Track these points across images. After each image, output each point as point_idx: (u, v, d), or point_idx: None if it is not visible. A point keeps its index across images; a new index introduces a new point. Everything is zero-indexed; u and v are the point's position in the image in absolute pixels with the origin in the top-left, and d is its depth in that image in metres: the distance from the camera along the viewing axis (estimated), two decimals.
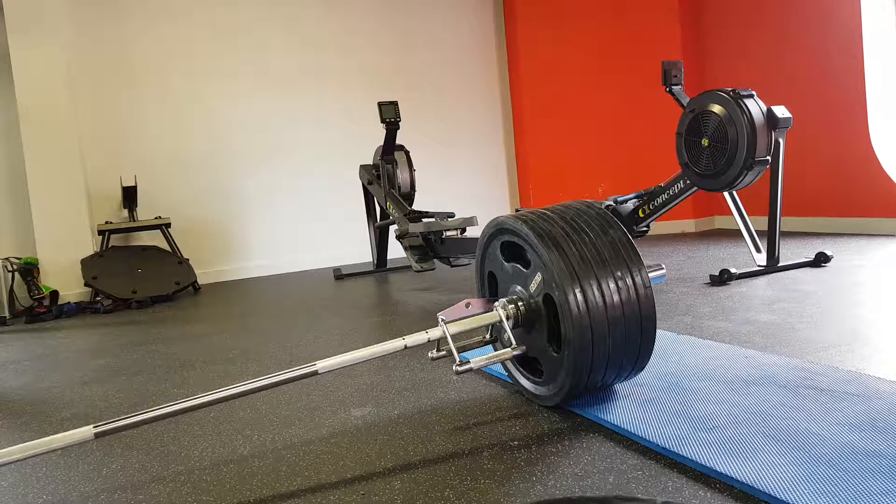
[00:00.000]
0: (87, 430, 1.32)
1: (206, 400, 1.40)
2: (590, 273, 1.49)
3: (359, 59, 5.65)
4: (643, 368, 1.64)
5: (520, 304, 1.64)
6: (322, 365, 1.49)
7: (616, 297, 1.50)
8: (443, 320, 1.60)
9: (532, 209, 1.68)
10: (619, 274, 1.52)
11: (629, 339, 1.53)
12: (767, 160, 3.16)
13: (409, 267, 4.65)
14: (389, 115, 4.16)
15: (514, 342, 1.63)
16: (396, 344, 1.54)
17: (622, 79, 5.63)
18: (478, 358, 1.57)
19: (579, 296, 1.46)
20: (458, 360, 1.56)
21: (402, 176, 4.41)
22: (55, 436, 1.33)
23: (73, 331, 3.60)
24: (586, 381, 1.54)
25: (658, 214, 3.72)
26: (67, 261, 4.45)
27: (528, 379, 1.74)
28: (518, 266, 1.68)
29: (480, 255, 1.87)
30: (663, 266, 1.71)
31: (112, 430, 1.33)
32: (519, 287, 1.67)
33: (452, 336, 1.58)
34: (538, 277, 1.58)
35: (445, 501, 1.24)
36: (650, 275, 1.58)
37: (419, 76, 5.89)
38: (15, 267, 4.38)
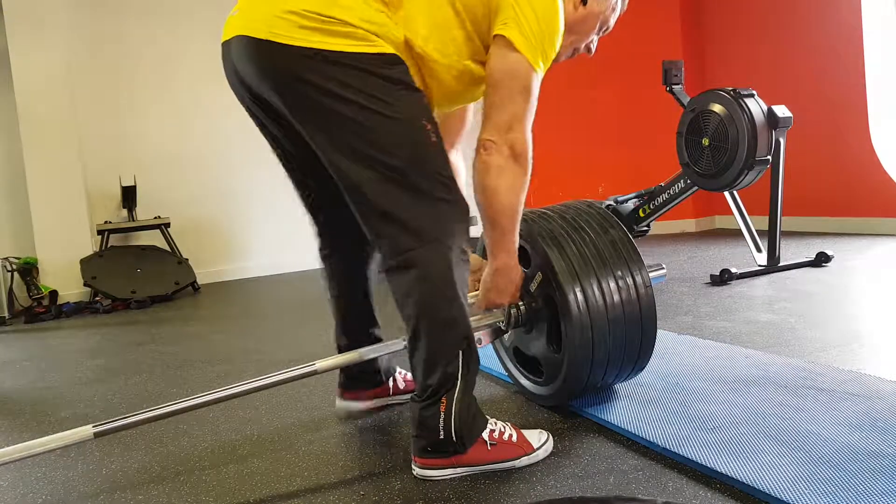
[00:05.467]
0: (86, 430, 1.32)
1: (206, 399, 1.40)
2: (590, 272, 1.49)
3: None
4: (644, 368, 1.64)
5: (520, 304, 1.64)
6: (322, 364, 1.49)
7: (616, 297, 1.49)
8: None
9: (532, 209, 1.67)
10: (619, 273, 1.51)
11: (630, 338, 1.52)
12: (768, 160, 3.16)
13: None
14: None
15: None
16: (396, 344, 1.54)
17: (622, 78, 5.62)
18: None
19: (579, 295, 1.46)
20: None
21: None
22: (54, 435, 1.32)
23: (73, 331, 3.60)
24: (586, 381, 1.54)
25: (658, 214, 3.72)
26: (67, 261, 4.44)
27: (528, 379, 1.74)
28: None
29: (480, 255, 1.87)
30: (664, 266, 1.71)
31: (112, 429, 1.33)
32: None
33: None
34: (538, 277, 1.58)
35: (445, 501, 1.24)
36: (650, 274, 1.58)
37: None
38: (14, 267, 4.37)
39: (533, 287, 1.60)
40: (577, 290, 1.46)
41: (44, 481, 1.51)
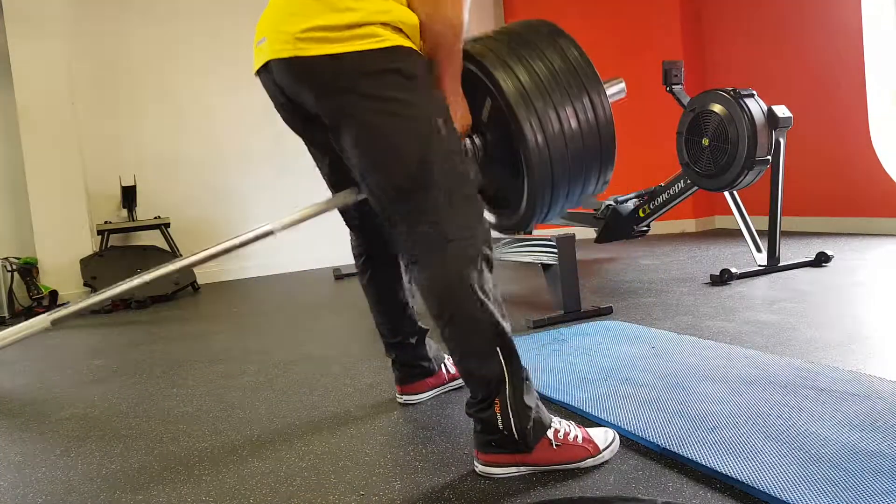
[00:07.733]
0: (43, 320, 1.37)
1: (170, 269, 1.59)
2: (543, 92, 1.42)
3: None
4: (608, 181, 1.55)
5: (473, 136, 1.52)
6: (276, 224, 1.59)
7: (570, 110, 1.43)
8: None
9: (481, 34, 1.58)
10: (574, 91, 1.44)
11: (588, 150, 1.45)
12: (768, 160, 3.16)
13: None
14: None
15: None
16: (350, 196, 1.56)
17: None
18: None
19: (533, 118, 1.39)
20: None
21: None
22: (12, 328, 1.37)
23: (73, 331, 3.60)
24: (550, 199, 1.47)
25: (658, 214, 3.72)
26: (67, 261, 4.43)
27: (494, 213, 1.67)
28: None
29: None
30: (622, 79, 1.66)
31: (66, 315, 1.40)
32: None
33: None
34: (488, 104, 1.49)
35: (445, 502, 1.24)
36: (608, 90, 1.52)
37: None
38: (14, 267, 4.37)
39: (484, 116, 1.52)
40: (531, 109, 1.39)
41: (44, 482, 1.51)
